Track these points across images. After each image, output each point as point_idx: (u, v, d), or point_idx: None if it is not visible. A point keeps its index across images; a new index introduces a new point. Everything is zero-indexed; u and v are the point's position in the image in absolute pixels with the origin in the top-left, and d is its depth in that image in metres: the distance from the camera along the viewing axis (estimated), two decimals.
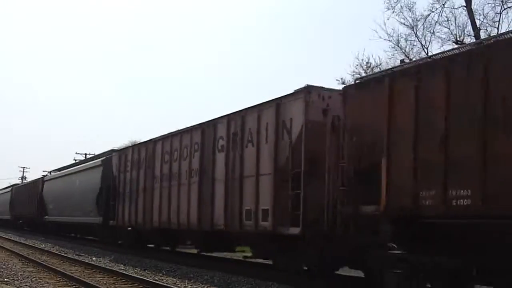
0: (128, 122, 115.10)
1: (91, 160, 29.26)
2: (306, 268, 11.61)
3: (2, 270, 13.47)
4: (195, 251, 17.58)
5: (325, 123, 10.67)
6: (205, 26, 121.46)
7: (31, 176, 65.22)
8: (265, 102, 12.38)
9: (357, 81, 9.99)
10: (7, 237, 29.67)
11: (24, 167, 76.87)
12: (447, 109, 7.83)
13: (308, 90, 11.08)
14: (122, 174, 20.38)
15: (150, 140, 18.56)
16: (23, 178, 72.97)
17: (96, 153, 39.61)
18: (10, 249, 20.55)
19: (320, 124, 10.78)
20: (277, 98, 11.97)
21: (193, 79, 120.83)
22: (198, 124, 15.22)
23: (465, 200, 7.47)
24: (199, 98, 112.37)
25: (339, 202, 9.92)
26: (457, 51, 8.34)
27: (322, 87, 11.28)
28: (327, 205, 10.38)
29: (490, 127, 7.24)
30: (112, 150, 23.20)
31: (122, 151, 21.33)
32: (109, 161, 21.99)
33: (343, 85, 10.64)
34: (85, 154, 52.84)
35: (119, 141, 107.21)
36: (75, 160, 49.09)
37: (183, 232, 16.12)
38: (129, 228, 20.02)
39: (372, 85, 9.38)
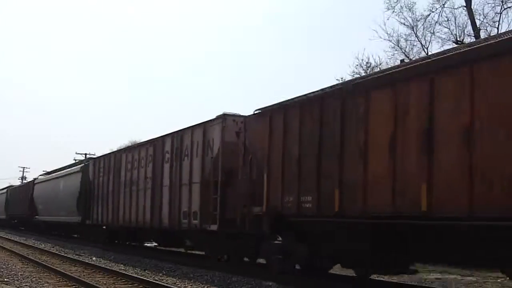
0: (128, 122, 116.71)
1: (73, 165, 32.29)
2: (226, 257, 14.67)
3: (2, 270, 13.46)
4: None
5: (238, 143, 13.68)
6: (205, 26, 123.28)
7: (31, 176, 64.75)
8: (196, 124, 15.41)
9: (255, 112, 12.95)
10: (7, 237, 30.05)
11: (24, 167, 76.75)
12: (300, 139, 10.87)
13: (224, 117, 14.10)
14: (96, 179, 23.47)
15: (118, 150, 21.66)
16: (23, 178, 71.99)
17: (96, 153, 43.04)
18: (10, 249, 20.67)
19: (234, 144, 13.76)
20: (204, 122, 15.01)
21: (193, 79, 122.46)
22: (151, 139, 18.30)
23: (309, 204, 10.53)
24: (199, 98, 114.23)
25: (242, 205, 12.99)
26: (312, 95, 11.31)
27: (238, 114, 14.24)
28: (239, 207, 13.38)
29: (322, 153, 10.29)
30: (89, 158, 26.18)
31: (96, 159, 24.43)
32: (87, 167, 25.06)
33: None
34: (85, 154, 53.45)
35: (119, 141, 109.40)
36: (75, 160, 50.97)
37: (141, 229, 19.18)
38: (104, 227, 23.12)
39: (261, 117, 12.41)
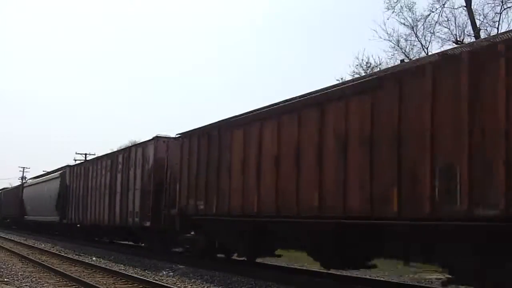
0: (128, 122, 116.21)
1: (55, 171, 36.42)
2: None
3: (2, 270, 13.50)
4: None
5: (165, 160, 17.56)
6: (205, 25, 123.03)
7: (31, 176, 63.87)
8: (139, 143, 19.57)
9: (176, 135, 16.83)
10: (7, 237, 30.52)
11: (24, 167, 76.34)
12: (198, 159, 14.89)
13: (156, 138, 18.13)
14: (71, 184, 27.63)
15: (87, 161, 25.78)
16: (23, 178, 70.15)
17: (96, 153, 46.02)
18: (10, 249, 20.80)
19: (164, 160, 17.66)
20: (143, 142, 19.14)
21: (193, 79, 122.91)
22: (108, 153, 22.40)
23: (202, 206, 14.52)
24: (199, 98, 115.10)
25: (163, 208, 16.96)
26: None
27: (166, 136, 18.02)
28: (164, 209, 17.12)
29: (208, 170, 14.30)
30: (67, 166, 30.26)
31: (72, 167, 28.63)
32: (64, 174, 29.20)
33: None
34: (85, 154, 54.36)
35: (119, 141, 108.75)
36: (75, 160, 52.81)
37: (103, 227, 23.27)
38: (78, 225, 27.23)
39: (177, 140, 16.41)
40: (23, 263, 15.83)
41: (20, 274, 12.88)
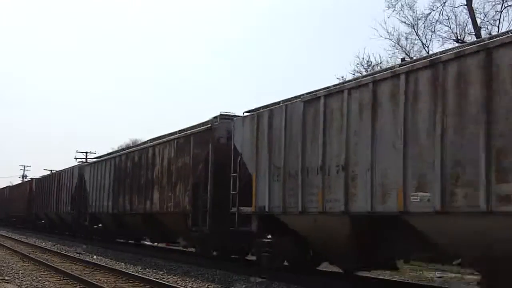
0: (129, 121, 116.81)
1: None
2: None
3: (3, 268, 13.52)
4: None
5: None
6: (205, 26, 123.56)
7: (32, 175, 65.50)
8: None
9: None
10: (8, 235, 30.82)
11: (24, 166, 76.56)
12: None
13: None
14: None
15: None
16: (23, 176, 72.08)
17: (97, 152, 49.54)
18: (11, 247, 20.90)
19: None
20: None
21: (194, 79, 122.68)
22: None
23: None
24: (199, 98, 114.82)
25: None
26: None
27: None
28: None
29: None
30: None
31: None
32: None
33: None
34: (86, 152, 54.68)
35: (121, 140, 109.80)
36: (75, 158, 54.42)
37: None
38: None
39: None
40: (24, 262, 15.69)
41: (21, 273, 12.83)
